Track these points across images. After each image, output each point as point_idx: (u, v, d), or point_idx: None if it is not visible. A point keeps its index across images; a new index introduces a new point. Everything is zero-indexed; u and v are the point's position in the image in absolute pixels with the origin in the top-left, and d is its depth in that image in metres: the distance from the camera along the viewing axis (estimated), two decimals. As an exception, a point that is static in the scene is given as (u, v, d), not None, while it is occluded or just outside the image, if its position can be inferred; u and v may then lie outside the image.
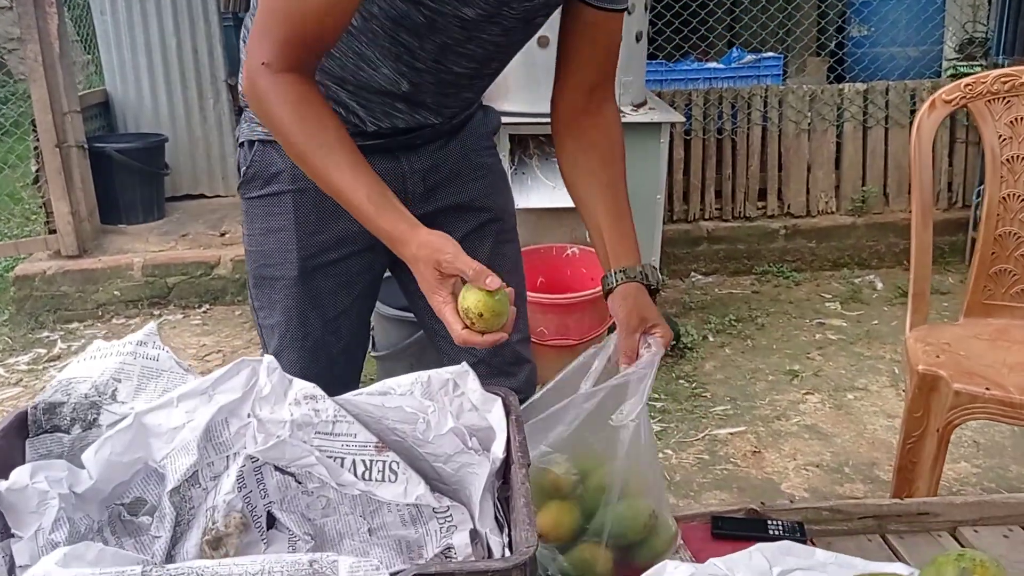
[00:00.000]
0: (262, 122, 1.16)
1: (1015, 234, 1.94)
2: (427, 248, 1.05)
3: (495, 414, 1.04)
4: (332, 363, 1.41)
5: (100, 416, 1.04)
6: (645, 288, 1.29)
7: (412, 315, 2.37)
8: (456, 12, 1.14)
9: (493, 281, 1.02)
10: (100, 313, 3.66)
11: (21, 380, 3.09)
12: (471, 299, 1.03)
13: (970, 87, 1.97)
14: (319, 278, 1.37)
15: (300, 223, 1.33)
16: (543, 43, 2.10)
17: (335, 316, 1.40)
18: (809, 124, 4.00)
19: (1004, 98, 1.96)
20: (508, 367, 1.49)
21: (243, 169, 1.36)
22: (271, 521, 0.98)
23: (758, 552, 0.74)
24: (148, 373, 1.08)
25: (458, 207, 1.42)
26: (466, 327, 1.04)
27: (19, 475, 0.91)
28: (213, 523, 0.95)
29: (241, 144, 1.37)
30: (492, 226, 1.46)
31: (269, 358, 1.01)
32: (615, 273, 1.30)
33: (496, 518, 0.99)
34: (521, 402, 1.27)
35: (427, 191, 1.38)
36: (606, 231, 1.32)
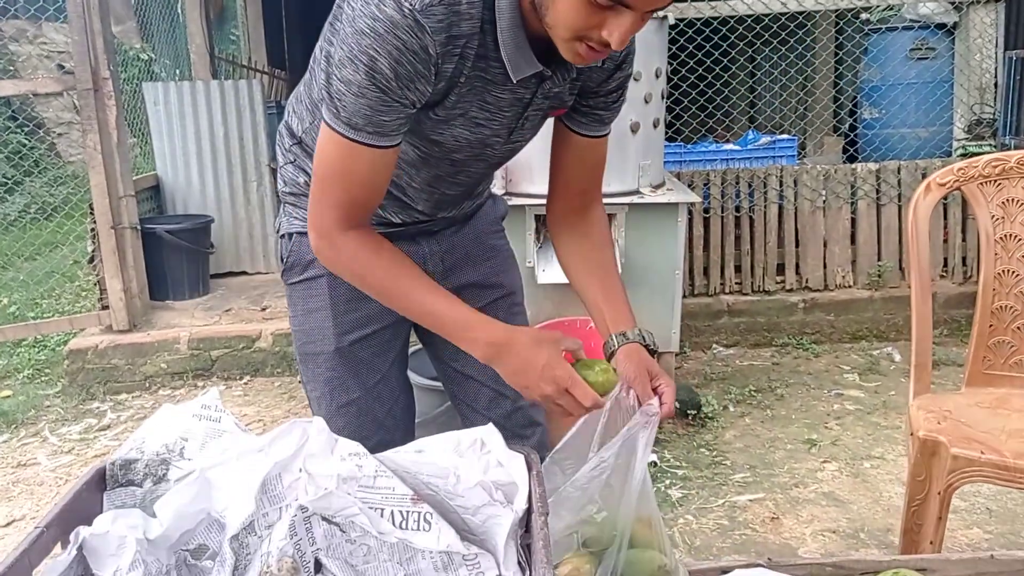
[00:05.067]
0: (339, 274, 1.32)
1: (1011, 307, 2.04)
2: (548, 337, 1.27)
3: (518, 470, 1.15)
4: (379, 427, 1.54)
5: (169, 471, 1.16)
6: (644, 348, 1.40)
7: (441, 385, 2.51)
8: (447, 156, 1.32)
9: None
10: (147, 385, 3.81)
11: (73, 449, 3.22)
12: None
13: (963, 171, 2.10)
14: (356, 350, 1.51)
15: (335, 303, 1.48)
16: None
17: (375, 383, 1.54)
18: (824, 202, 4.13)
19: (995, 181, 2.08)
20: (522, 430, 1.63)
21: (285, 258, 1.51)
22: (318, 567, 1.08)
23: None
24: (212, 433, 1.20)
25: (473, 284, 1.58)
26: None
27: (102, 521, 1.03)
28: (267, 567, 1.04)
29: (282, 236, 1.51)
30: (503, 300, 1.63)
31: (319, 419, 1.14)
32: (615, 337, 1.41)
33: (519, 563, 1.09)
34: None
35: (445, 270, 1.54)
36: (603, 304, 1.45)
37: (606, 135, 1.44)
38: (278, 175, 1.52)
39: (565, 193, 1.49)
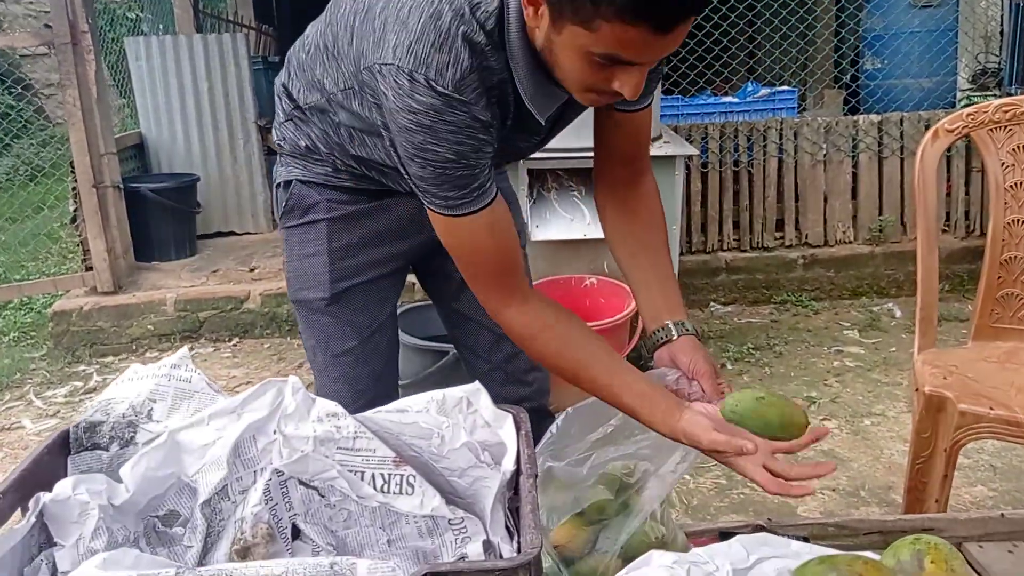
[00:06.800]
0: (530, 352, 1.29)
1: (1020, 259, 1.97)
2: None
3: (506, 430, 1.09)
4: (376, 380, 1.50)
5: (137, 434, 1.09)
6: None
7: (434, 344, 2.45)
8: (513, 145, 1.28)
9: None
10: (134, 347, 3.75)
11: (58, 412, 3.18)
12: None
13: (972, 116, 2.02)
14: (350, 297, 1.46)
15: (332, 249, 1.44)
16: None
17: (371, 332, 1.49)
18: (825, 155, 4.04)
19: (1006, 126, 2.00)
20: (523, 375, 1.60)
21: (284, 203, 1.46)
22: (296, 533, 1.02)
23: (737, 543, 0.79)
24: (181, 394, 1.14)
25: None
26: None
27: (62, 487, 0.97)
28: (241, 533, 0.99)
29: (278, 185, 1.47)
30: None
31: (294, 378, 1.08)
32: (676, 325, 1.34)
33: (507, 527, 1.03)
34: (533, 411, 1.36)
35: None
36: (655, 289, 1.38)
37: (647, 107, 1.37)
38: (275, 128, 1.48)
39: (610, 163, 1.42)
